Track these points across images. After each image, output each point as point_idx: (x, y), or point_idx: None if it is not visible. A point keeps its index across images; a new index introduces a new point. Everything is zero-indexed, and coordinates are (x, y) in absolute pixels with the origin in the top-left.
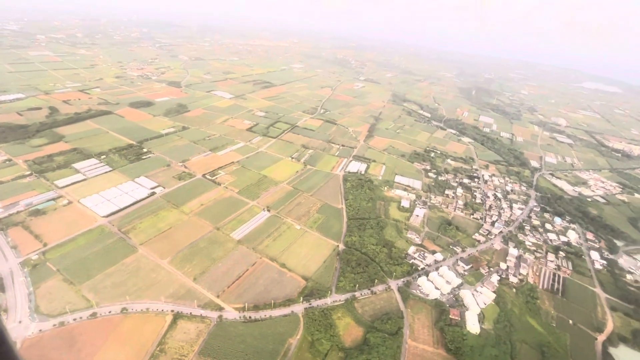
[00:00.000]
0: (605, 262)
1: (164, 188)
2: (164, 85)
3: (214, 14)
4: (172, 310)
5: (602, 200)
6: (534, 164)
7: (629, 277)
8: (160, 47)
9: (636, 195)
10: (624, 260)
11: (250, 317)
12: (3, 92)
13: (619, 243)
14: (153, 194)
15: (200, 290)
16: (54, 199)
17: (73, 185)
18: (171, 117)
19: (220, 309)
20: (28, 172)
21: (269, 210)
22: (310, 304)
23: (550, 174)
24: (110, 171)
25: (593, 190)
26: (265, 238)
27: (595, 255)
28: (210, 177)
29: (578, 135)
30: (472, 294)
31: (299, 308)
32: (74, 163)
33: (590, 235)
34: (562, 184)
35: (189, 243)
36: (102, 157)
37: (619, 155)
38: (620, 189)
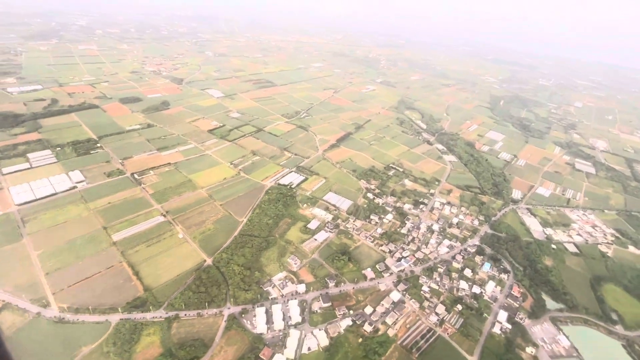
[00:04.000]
0: (510, 326)
1: (87, 183)
2: (167, 81)
3: (284, 7)
4: (4, 300)
5: (574, 250)
6: (517, 194)
7: (528, 350)
8: (196, 42)
9: (630, 248)
10: (540, 328)
11: (63, 318)
12: (27, 82)
13: (552, 306)
14: (74, 187)
15: (44, 285)
16: None
17: (15, 173)
18: (147, 114)
19: (46, 305)
20: None
21: (164, 216)
22: (128, 316)
23: (527, 208)
24: (54, 163)
25: (570, 236)
26: (141, 243)
27: (502, 316)
28: (137, 177)
29: (610, 163)
30: (301, 336)
31: (116, 318)
32: (30, 153)
33: (517, 291)
34: (532, 223)
35: (70, 239)
36: (58, 149)
37: None
38: (614, 239)
